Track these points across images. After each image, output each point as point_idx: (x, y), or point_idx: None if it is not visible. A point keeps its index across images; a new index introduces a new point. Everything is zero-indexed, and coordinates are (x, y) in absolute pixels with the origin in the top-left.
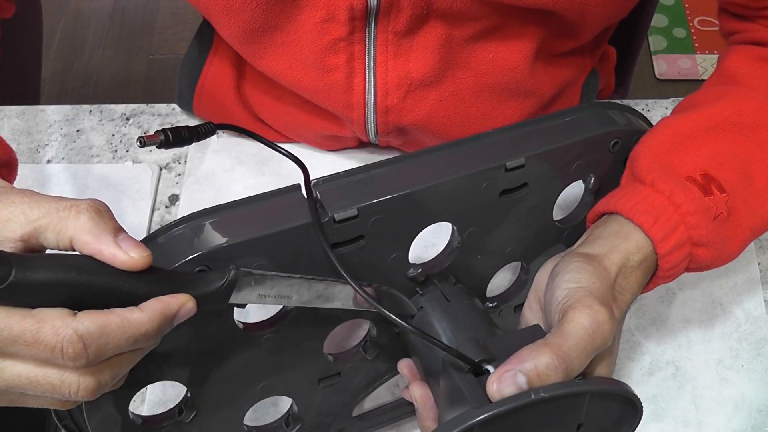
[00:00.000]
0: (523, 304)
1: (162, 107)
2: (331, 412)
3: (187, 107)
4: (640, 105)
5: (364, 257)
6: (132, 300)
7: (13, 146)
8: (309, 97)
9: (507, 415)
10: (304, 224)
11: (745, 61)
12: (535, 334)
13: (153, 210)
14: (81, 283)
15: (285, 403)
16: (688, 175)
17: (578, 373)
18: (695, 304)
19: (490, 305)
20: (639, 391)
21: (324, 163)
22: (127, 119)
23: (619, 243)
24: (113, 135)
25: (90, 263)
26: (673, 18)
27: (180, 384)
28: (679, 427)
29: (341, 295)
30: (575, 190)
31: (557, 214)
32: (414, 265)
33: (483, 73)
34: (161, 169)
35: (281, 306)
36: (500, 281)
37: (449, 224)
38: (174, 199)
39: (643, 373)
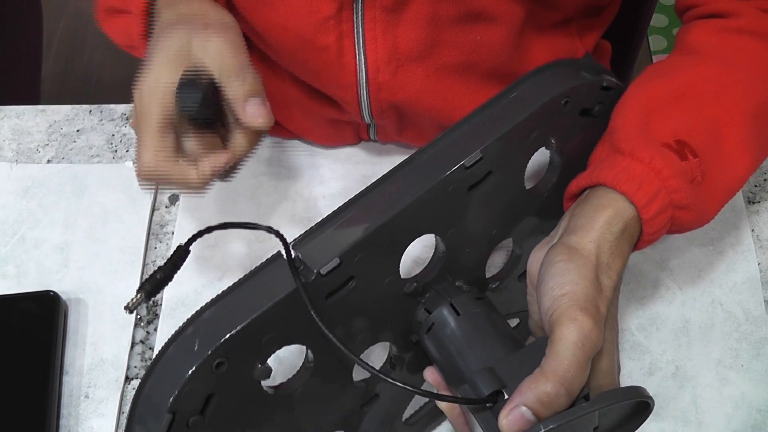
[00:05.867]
0: (524, 273)
1: None
2: (381, 426)
3: None
4: None
5: (360, 294)
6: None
7: (13, 146)
8: (303, 76)
9: None
10: (293, 290)
11: (705, 35)
12: (542, 349)
13: (153, 210)
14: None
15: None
16: (663, 142)
17: (582, 385)
18: (695, 304)
19: (493, 286)
20: None
21: (324, 163)
22: (127, 119)
23: (599, 216)
24: (113, 135)
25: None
26: (673, 18)
27: None
28: (679, 426)
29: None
30: (542, 155)
31: (530, 183)
32: (408, 280)
33: (468, 52)
34: None
35: (303, 362)
36: (497, 257)
37: (430, 234)
38: (174, 199)
39: (643, 373)
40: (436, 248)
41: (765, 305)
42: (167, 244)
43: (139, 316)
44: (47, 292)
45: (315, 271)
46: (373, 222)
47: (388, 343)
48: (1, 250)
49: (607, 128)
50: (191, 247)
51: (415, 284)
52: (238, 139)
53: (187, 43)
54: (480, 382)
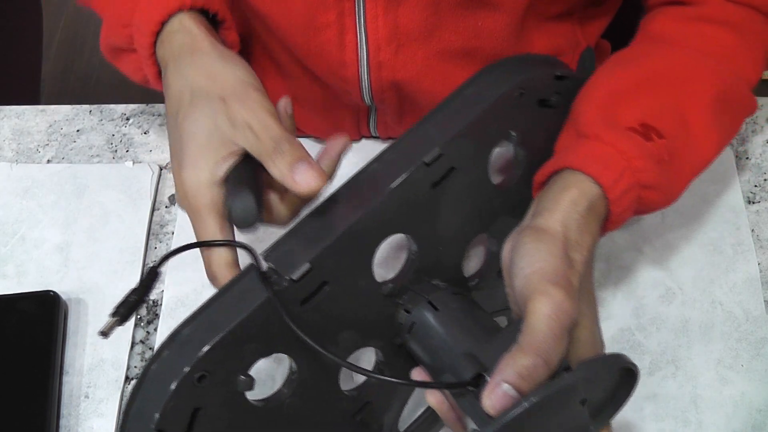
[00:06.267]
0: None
1: (162, 107)
2: None
3: None
4: None
5: (337, 299)
6: None
7: (13, 146)
8: (305, 59)
9: (510, 425)
10: (267, 299)
11: (669, 23)
12: (519, 329)
13: (153, 210)
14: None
15: None
16: (628, 126)
17: (561, 357)
18: (695, 304)
19: (473, 283)
20: (639, 391)
21: None
22: (127, 119)
23: (563, 197)
24: (113, 135)
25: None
26: None
27: None
28: (679, 427)
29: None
30: (506, 150)
31: (499, 179)
32: (384, 282)
33: (470, 37)
34: (161, 169)
35: (288, 373)
36: (476, 254)
37: (400, 234)
38: (174, 199)
39: (643, 373)
40: (408, 248)
41: (765, 305)
42: (167, 244)
43: (139, 316)
44: (47, 292)
45: (287, 277)
46: (341, 225)
47: (374, 351)
48: (1, 250)
49: (570, 115)
50: (190, 247)
51: (391, 285)
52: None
53: (213, 127)
54: (460, 367)
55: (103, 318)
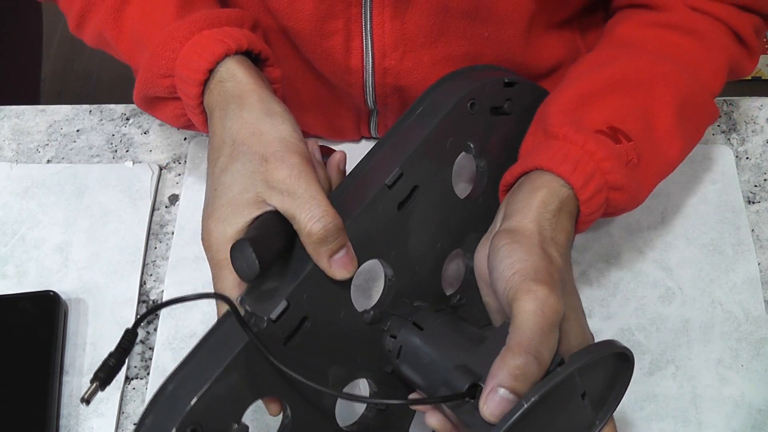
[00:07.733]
0: None
1: None
2: None
3: None
4: None
5: (320, 334)
6: None
7: (13, 146)
8: (313, 61)
9: (513, 429)
10: (248, 342)
11: (636, 29)
12: (506, 333)
13: (153, 210)
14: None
15: None
16: (596, 129)
17: (553, 353)
18: (695, 304)
19: (455, 301)
20: (639, 391)
21: None
22: (127, 119)
23: (534, 197)
24: (113, 135)
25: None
26: None
27: None
28: (679, 427)
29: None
30: (468, 163)
31: (465, 191)
32: (366, 311)
33: (476, 44)
34: (161, 169)
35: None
36: (454, 271)
37: (373, 260)
38: (174, 199)
39: (643, 373)
40: (384, 274)
41: (765, 305)
42: (167, 244)
43: (139, 316)
44: (47, 292)
45: (265, 318)
46: (311, 260)
47: (366, 383)
48: (1, 250)
49: (536, 118)
50: (190, 249)
51: (372, 313)
52: None
53: (248, 184)
54: (454, 381)
55: (104, 318)
